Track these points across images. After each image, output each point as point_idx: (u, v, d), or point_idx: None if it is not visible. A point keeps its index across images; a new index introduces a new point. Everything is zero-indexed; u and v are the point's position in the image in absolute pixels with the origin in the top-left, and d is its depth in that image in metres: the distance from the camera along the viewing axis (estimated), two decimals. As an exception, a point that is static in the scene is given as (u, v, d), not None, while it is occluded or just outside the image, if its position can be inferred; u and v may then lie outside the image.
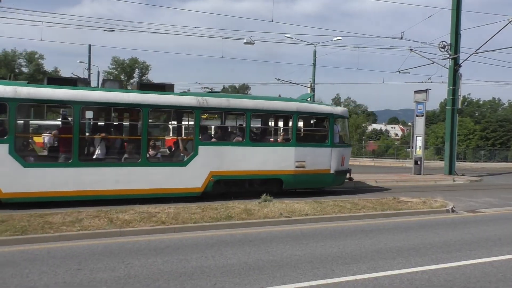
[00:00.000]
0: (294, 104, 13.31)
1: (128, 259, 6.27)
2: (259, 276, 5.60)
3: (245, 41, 26.41)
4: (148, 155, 11.51)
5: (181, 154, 12.03)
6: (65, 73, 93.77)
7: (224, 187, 12.16)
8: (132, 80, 71.68)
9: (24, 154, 10.76)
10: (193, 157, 11.60)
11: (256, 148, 12.50)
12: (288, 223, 9.22)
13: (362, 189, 16.16)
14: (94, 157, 11.23)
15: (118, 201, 10.46)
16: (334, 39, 31.61)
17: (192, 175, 11.53)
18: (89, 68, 31.33)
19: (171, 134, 14.35)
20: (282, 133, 14.04)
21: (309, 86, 32.96)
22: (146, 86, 12.73)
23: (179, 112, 13.10)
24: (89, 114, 12.15)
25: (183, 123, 14.33)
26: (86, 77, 31.67)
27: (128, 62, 69.70)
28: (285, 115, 13.66)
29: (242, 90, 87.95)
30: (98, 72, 48.43)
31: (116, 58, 69.54)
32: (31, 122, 11.19)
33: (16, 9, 57.05)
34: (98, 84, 13.82)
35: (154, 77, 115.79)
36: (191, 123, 12.78)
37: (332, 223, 9.53)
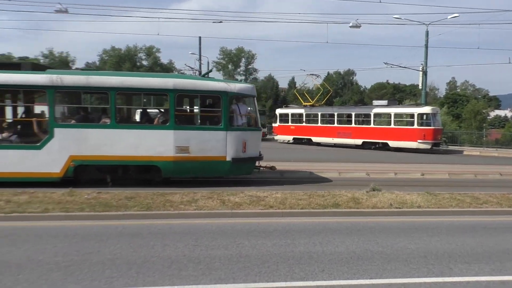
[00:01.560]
0: (170, 80, 11.64)
1: (239, 239, 6.59)
2: (368, 267, 5.45)
3: (351, 24, 25.51)
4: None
5: (35, 137, 11.12)
6: (178, 65, 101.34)
7: (92, 174, 11.10)
8: (239, 69, 74.35)
9: None
10: (49, 140, 10.76)
11: (124, 131, 11.18)
12: (398, 215, 8.77)
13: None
14: None
15: None
16: (449, 17, 28.82)
17: (48, 159, 10.68)
18: (199, 59, 33.29)
19: (24, 116, 11.93)
20: (159, 114, 12.42)
21: (420, 69, 30.68)
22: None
23: (31, 91, 11.80)
24: None
25: (35, 103, 12.63)
26: (198, 67, 33.71)
27: (235, 52, 72.31)
28: (160, 93, 12.51)
29: (347, 76, 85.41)
30: (208, 62, 51.09)
31: (223, 48, 72.60)
32: None
33: (135, 8, 63.03)
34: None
35: (259, 65, 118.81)
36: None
37: (448, 217, 8.81)
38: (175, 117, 11.28)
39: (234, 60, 72.98)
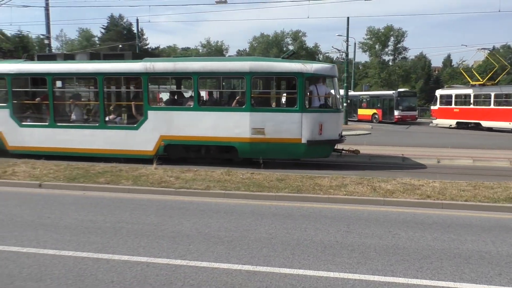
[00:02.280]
0: (247, 63, 11.54)
1: (394, 229, 6.19)
2: (560, 276, 4.54)
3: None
4: (107, 119, 12.40)
5: (134, 119, 12.38)
6: (324, 47, 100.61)
7: (178, 152, 12.05)
8: (386, 49, 70.29)
9: (21, 116, 12.88)
10: (144, 121, 11.93)
11: (205, 113, 11.66)
12: None
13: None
14: (66, 120, 12.97)
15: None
16: None
17: (144, 138, 11.90)
18: (347, 41, 32.37)
19: (126, 100, 13.42)
20: (237, 97, 12.17)
21: None
22: (107, 56, 13.12)
23: (130, 78, 13.10)
24: (58, 83, 13.62)
25: (134, 89, 13.66)
26: (344, 49, 32.86)
27: (383, 31, 68.43)
28: (238, 76, 12.37)
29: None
30: (355, 43, 49.49)
31: (371, 28, 69.34)
32: (25, 90, 13.01)
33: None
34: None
35: (410, 43, 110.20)
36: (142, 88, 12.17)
37: None
38: (251, 99, 11.45)
39: (382, 40, 69.18)
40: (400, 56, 72.23)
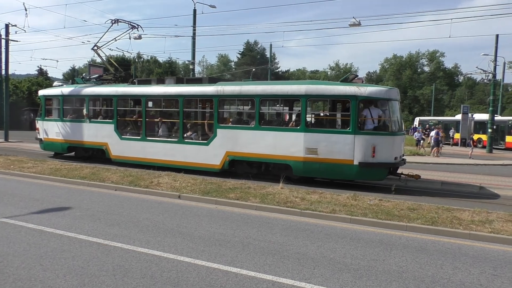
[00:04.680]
0: (303, 87, 12.18)
1: (556, 279, 5.21)
2: None
3: None
4: (185, 135, 13.94)
5: (205, 135, 13.76)
6: (465, 68, 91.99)
7: (243, 168, 13.12)
8: None
9: (121, 131, 15.32)
10: (213, 138, 13.25)
11: (265, 132, 12.48)
12: None
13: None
14: (153, 135, 14.94)
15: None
16: None
17: (213, 153, 13.23)
18: (495, 60, 29.05)
19: (201, 119, 15.00)
20: (294, 118, 13.02)
21: None
22: (188, 80, 14.94)
23: (205, 100, 14.46)
24: (150, 104, 15.48)
25: (207, 109, 14.96)
26: (491, 69, 29.59)
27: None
28: (295, 99, 12.79)
29: None
30: (504, 63, 44.32)
31: (524, 45, 61.32)
32: (125, 109, 15.76)
33: (420, 12, 61.03)
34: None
35: None
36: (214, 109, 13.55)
37: None
38: (306, 121, 11.98)
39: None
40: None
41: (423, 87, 72.23)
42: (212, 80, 14.52)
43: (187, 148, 13.79)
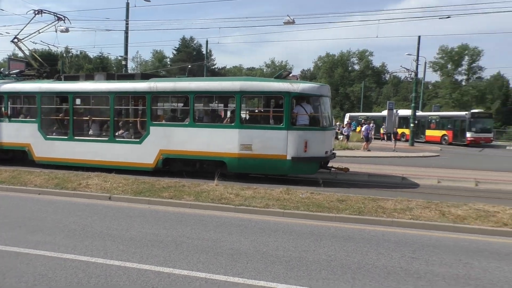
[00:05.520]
0: (238, 83, 12.21)
1: (465, 258, 5.74)
2: None
3: None
4: (116, 134, 13.45)
5: (138, 134, 13.36)
6: (392, 67, 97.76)
7: (177, 166, 12.88)
8: (460, 69, 67.00)
9: (46, 130, 14.35)
10: (146, 136, 12.90)
11: (199, 129, 12.43)
12: None
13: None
14: (82, 134, 14.26)
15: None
16: None
17: (146, 152, 12.85)
18: (417, 60, 31.21)
19: (133, 117, 14.40)
20: (229, 115, 13.11)
21: None
22: (120, 77, 14.37)
23: (137, 97, 13.96)
24: (78, 101, 14.96)
25: (140, 106, 14.47)
26: (414, 68, 31.73)
27: (456, 49, 65.35)
28: (229, 95, 12.87)
29: None
30: (425, 63, 47.70)
31: (443, 47, 66.58)
32: (51, 107, 14.82)
33: (349, 12, 63.96)
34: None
35: (486, 63, 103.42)
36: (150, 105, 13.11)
37: None
38: (241, 117, 12.10)
39: (455, 59, 66.10)
40: (474, 76, 68.38)
41: (354, 84, 75.78)
42: (145, 76, 14.05)
43: (119, 147, 13.27)
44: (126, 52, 26.04)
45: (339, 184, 12.28)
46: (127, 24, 25.30)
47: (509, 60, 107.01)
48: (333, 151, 13.26)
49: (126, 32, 25.40)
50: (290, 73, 13.05)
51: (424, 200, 9.08)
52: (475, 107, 52.26)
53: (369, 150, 23.90)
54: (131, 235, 6.56)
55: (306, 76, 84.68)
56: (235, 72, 78.51)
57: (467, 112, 34.37)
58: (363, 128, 25.46)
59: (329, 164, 13.11)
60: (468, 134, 32.67)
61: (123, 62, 27.30)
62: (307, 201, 8.95)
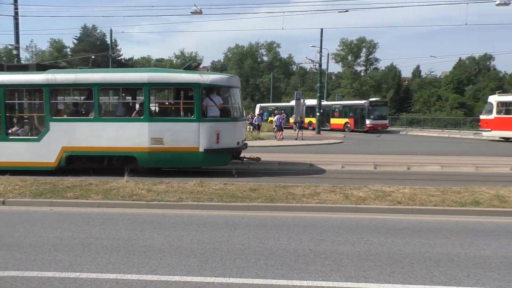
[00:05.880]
0: (145, 74, 11.94)
1: (366, 236, 6.25)
2: (525, 276, 4.68)
3: (498, 2, 22.30)
4: (9, 131, 12.19)
5: (35, 130, 12.34)
6: (298, 58, 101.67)
7: (82, 163, 12.04)
8: (359, 60, 71.92)
9: None
10: (46, 133, 11.88)
11: (106, 123, 11.84)
12: (558, 217, 7.44)
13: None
14: None
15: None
16: None
17: (46, 150, 11.82)
18: (320, 52, 32.91)
19: (29, 112, 13.13)
20: (136, 107, 12.58)
21: None
22: (10, 68, 13.11)
23: (33, 90, 12.75)
24: None
25: (37, 100, 13.00)
26: (318, 60, 33.38)
27: (355, 42, 70.14)
28: (137, 87, 12.20)
29: (483, 61, 76.40)
30: (328, 54, 50.31)
31: (344, 40, 71.02)
32: None
33: (256, 4, 65.10)
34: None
35: (381, 54, 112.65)
36: (51, 99, 12.07)
37: None
38: (150, 110, 11.71)
39: (354, 51, 70.93)
40: (371, 67, 74.09)
41: (263, 75, 77.62)
42: (41, 68, 12.88)
43: (13, 145, 12.04)
44: (17, 40, 23.53)
45: (252, 173, 12.54)
46: (16, 8, 22.88)
47: (401, 52, 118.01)
48: (245, 142, 13.49)
49: (16, 18, 22.98)
50: (200, 64, 12.97)
51: (330, 184, 9.67)
52: (372, 96, 56.78)
53: (282, 139, 24.77)
54: (31, 241, 6.04)
55: (216, 67, 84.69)
56: (144, 63, 75.70)
57: (365, 101, 37.14)
58: (275, 118, 26.23)
59: (242, 155, 13.33)
60: (367, 121, 35.37)
61: (15, 52, 24.70)
62: (220, 192, 9.00)
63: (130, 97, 13.67)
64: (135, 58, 77.58)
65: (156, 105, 12.92)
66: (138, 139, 11.59)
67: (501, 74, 72.70)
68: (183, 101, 12.62)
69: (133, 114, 12.27)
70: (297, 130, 27.18)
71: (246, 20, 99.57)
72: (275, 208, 8.00)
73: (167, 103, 13.56)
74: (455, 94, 60.68)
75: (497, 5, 22.24)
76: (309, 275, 4.68)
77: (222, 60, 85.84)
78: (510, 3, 21.68)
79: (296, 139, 25.63)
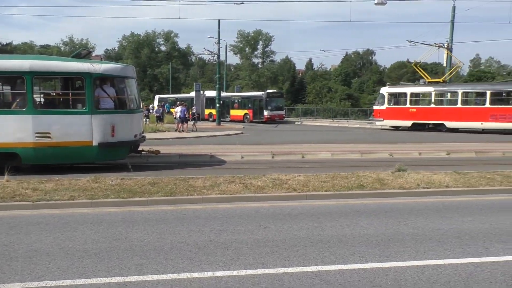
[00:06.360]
0: (27, 62, 10.80)
1: (264, 223, 6.51)
2: (400, 249, 5.30)
3: (376, 1, 24.72)
4: None
5: None
6: (197, 49, 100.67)
7: None
8: (256, 52, 73.67)
9: None
10: None
11: None
12: (426, 195, 8.55)
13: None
14: None
15: None
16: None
17: None
18: (218, 43, 32.98)
19: None
20: (17, 98, 11.25)
21: (445, 46, 29.70)
22: None
23: None
24: None
25: None
26: (216, 51, 33.44)
27: (252, 34, 71.68)
28: (17, 76, 10.94)
29: (366, 56, 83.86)
30: (226, 46, 50.68)
31: (241, 31, 72.17)
32: None
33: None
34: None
35: (277, 47, 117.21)
36: None
37: (479, 196, 8.55)
38: (34, 101, 10.78)
39: (252, 43, 72.49)
40: (268, 59, 76.51)
41: (161, 66, 75.37)
42: None
43: None
44: None
45: (152, 167, 12.19)
46: None
47: (294, 45, 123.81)
48: (143, 134, 13.04)
49: None
50: (90, 52, 12.14)
51: (230, 175, 9.84)
52: (270, 87, 58.87)
53: (182, 131, 24.44)
54: None
55: (111, 56, 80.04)
56: (26, 50, 68.30)
57: (263, 93, 38.38)
58: (178, 110, 25.74)
59: (140, 148, 12.86)
60: (265, 112, 36.60)
61: None
62: (117, 187, 8.60)
63: (9, 87, 12.25)
64: (15, 43, 69.73)
65: (42, 96, 11.86)
66: (21, 134, 10.50)
67: (381, 68, 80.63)
68: (72, 92, 11.66)
69: (13, 106, 11.03)
70: (193, 121, 27.04)
71: (141, 7, 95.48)
72: (176, 202, 7.89)
73: (53, 94, 12.47)
74: (343, 86, 65.81)
75: (376, 4, 24.68)
76: (210, 266, 4.73)
77: (117, 49, 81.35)
78: (386, 3, 24.24)
79: (192, 130, 25.50)
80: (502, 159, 14.39)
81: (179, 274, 4.53)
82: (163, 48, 79.47)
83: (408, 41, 31.62)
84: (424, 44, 31.62)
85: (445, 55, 30.49)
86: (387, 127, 28.70)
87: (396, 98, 28.06)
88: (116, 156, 11.73)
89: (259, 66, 75.21)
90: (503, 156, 15.03)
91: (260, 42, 73.70)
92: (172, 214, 7.13)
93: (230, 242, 5.61)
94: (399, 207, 7.62)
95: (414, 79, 56.85)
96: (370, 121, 33.17)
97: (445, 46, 29.53)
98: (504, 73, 74.27)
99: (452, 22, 29.32)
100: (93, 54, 77.99)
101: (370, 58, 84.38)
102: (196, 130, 25.62)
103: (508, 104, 24.34)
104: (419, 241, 5.63)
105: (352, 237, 5.81)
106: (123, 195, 8.03)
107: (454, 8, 29.20)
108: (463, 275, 4.49)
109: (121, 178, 9.48)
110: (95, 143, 10.92)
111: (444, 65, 32.05)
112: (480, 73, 57.84)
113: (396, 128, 28.36)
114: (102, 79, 11.24)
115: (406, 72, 68.71)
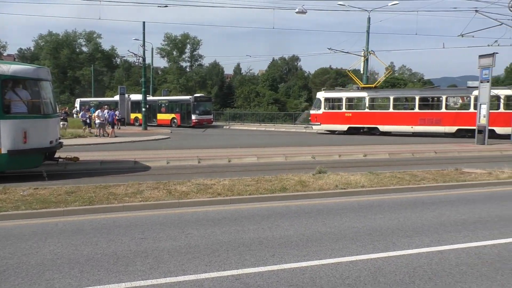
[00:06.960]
0: None
1: (187, 229, 6.46)
2: (318, 248, 5.56)
3: (297, 10, 25.77)
4: None
5: None
6: (122, 51, 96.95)
7: None
8: (184, 56, 72.76)
9: None
10: None
11: None
12: (344, 195, 9.05)
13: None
14: None
15: None
16: (390, 4, 30.16)
17: None
18: (143, 45, 32.08)
19: None
20: None
21: (362, 55, 31.70)
22: None
23: None
24: None
25: None
26: (142, 54, 32.47)
27: (180, 38, 70.66)
28: None
29: (291, 62, 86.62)
30: (152, 49, 49.52)
31: (168, 34, 70.76)
32: None
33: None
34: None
35: (205, 51, 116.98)
36: None
37: (390, 195, 9.24)
38: None
39: (179, 47, 71.44)
40: (196, 63, 75.91)
41: (83, 67, 71.44)
42: None
43: None
44: None
45: (70, 175, 11.54)
46: None
47: (222, 50, 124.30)
48: (60, 140, 12.29)
49: None
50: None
51: (154, 181, 9.63)
52: (198, 91, 58.43)
53: (105, 136, 23.39)
54: None
55: (26, 56, 74.32)
56: None
57: (191, 97, 38.01)
58: (106, 114, 24.53)
59: (57, 155, 12.11)
60: (193, 117, 36.27)
61: None
62: (30, 198, 8.03)
63: None
64: None
65: None
66: None
67: (306, 74, 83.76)
68: None
69: None
70: (112, 126, 25.81)
71: (61, 6, 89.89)
72: (95, 211, 7.55)
73: None
74: (270, 91, 67.35)
75: (296, 12, 25.79)
76: (128, 276, 4.60)
77: (32, 49, 75.71)
78: (307, 12, 25.41)
79: (109, 135, 24.27)
80: (411, 159, 15.67)
81: (94, 287, 4.34)
82: (85, 49, 75.40)
83: (328, 48, 33.28)
84: (343, 52, 33.48)
85: (362, 63, 32.54)
86: (324, 131, 29.55)
87: (332, 103, 28.92)
88: (29, 164, 10.95)
89: (187, 70, 74.36)
90: (412, 157, 16.38)
91: (188, 46, 72.91)
92: (90, 224, 6.81)
93: (151, 250, 5.49)
94: (319, 208, 7.98)
95: (336, 84, 59.91)
96: (307, 126, 33.32)
97: (370, 54, 31.34)
98: (415, 80, 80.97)
99: (368, 32, 31.37)
100: (5, 54, 71.98)
101: (296, 64, 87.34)
102: (115, 136, 24.49)
103: (435, 108, 26.06)
104: (335, 239, 5.95)
105: (273, 239, 5.98)
106: (35, 206, 7.51)
107: (369, 19, 31.31)
108: (372, 270, 4.83)
109: (34, 187, 8.86)
110: (4, 151, 10.16)
111: (362, 72, 34.18)
112: (394, 79, 62.39)
113: (333, 132, 29.23)
114: (13, 81, 10.51)
115: (329, 77, 72.13)
